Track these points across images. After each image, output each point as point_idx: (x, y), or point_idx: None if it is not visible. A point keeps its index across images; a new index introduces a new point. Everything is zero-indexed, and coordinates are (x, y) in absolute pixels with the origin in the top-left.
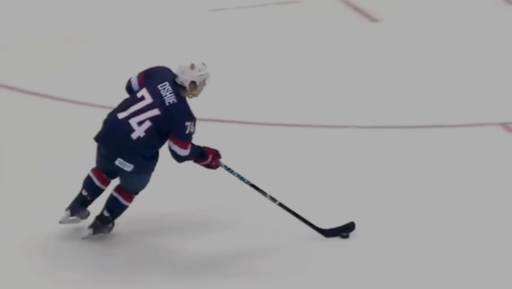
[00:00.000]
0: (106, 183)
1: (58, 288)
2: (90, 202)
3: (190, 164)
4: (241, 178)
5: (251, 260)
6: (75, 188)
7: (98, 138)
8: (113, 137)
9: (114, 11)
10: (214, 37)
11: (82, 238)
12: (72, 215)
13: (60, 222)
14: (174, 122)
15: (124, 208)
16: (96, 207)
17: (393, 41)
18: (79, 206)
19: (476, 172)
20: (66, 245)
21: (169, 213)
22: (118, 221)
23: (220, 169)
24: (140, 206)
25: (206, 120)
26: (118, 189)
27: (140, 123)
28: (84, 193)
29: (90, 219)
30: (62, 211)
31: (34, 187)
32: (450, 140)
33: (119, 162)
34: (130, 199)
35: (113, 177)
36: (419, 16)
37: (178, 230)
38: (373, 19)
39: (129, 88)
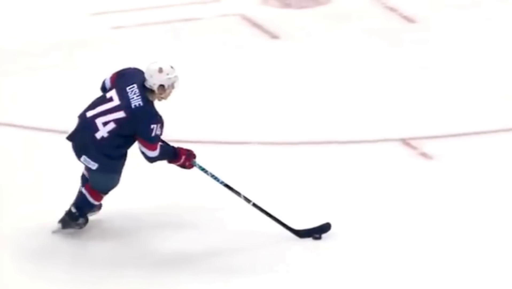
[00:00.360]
0: None
1: (38, 285)
2: None
3: (164, 163)
4: (215, 178)
5: (224, 258)
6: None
7: (69, 137)
8: (79, 135)
9: (16, 31)
10: (117, 55)
11: (52, 232)
12: None
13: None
14: (139, 125)
15: (91, 205)
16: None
17: (293, 57)
18: None
19: (378, 186)
20: (45, 243)
21: (146, 212)
22: (98, 218)
23: (195, 169)
24: (118, 204)
25: None
26: (87, 186)
27: (105, 124)
28: (82, 188)
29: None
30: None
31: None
32: (353, 156)
33: (83, 159)
34: (98, 197)
35: None
36: (318, 34)
37: (154, 228)
38: (273, 36)
39: (103, 89)
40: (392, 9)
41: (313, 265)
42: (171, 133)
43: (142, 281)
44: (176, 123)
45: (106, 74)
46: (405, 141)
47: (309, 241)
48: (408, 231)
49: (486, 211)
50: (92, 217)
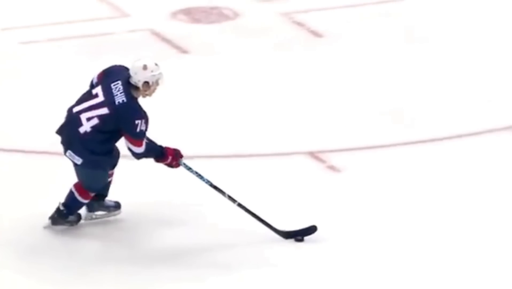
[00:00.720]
0: None
1: (35, 283)
2: (101, 195)
3: (152, 163)
4: (201, 177)
5: (207, 256)
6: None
7: (57, 131)
8: (65, 129)
9: None
10: (25, 70)
11: (44, 227)
12: (90, 211)
13: (84, 220)
14: (124, 121)
15: (79, 203)
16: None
17: (203, 72)
18: (92, 201)
19: (286, 200)
20: (39, 241)
21: (136, 211)
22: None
23: (182, 168)
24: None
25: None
26: (76, 184)
27: (88, 119)
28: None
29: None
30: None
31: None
32: (261, 169)
33: (69, 153)
34: (86, 196)
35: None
36: (227, 48)
37: (145, 226)
38: (183, 51)
39: (91, 87)
40: (299, 24)
41: (296, 264)
42: None
43: (137, 278)
44: None
45: (14, 90)
46: (313, 155)
47: (291, 242)
48: (320, 243)
49: (394, 223)
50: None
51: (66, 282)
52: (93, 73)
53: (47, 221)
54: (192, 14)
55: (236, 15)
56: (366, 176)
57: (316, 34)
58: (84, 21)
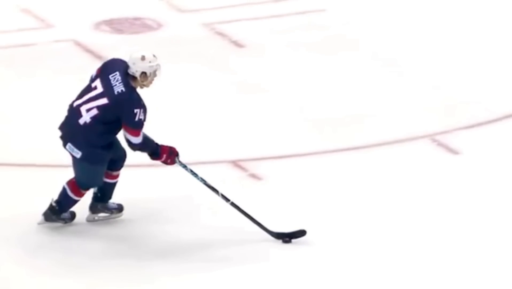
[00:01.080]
0: (105, 175)
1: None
2: (105, 197)
3: (149, 162)
4: (195, 175)
5: (203, 252)
6: None
7: (60, 126)
8: (66, 122)
9: None
10: None
11: (38, 224)
12: (93, 212)
13: (87, 221)
14: (123, 110)
15: (71, 200)
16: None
17: None
18: (95, 202)
19: (210, 207)
20: (35, 239)
21: (130, 210)
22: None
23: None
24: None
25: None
26: (70, 180)
27: (88, 110)
28: (94, 190)
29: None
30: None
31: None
32: (183, 178)
33: (69, 146)
34: (78, 193)
35: (112, 169)
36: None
37: (138, 223)
38: None
39: (91, 81)
40: (222, 34)
41: (287, 262)
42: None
43: (136, 273)
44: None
45: None
46: (235, 163)
47: (280, 242)
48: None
49: (317, 229)
50: (80, 213)
51: (66, 278)
52: (16, 84)
53: (41, 217)
54: (115, 25)
55: (159, 25)
56: (287, 184)
57: (238, 44)
58: (7, 32)
